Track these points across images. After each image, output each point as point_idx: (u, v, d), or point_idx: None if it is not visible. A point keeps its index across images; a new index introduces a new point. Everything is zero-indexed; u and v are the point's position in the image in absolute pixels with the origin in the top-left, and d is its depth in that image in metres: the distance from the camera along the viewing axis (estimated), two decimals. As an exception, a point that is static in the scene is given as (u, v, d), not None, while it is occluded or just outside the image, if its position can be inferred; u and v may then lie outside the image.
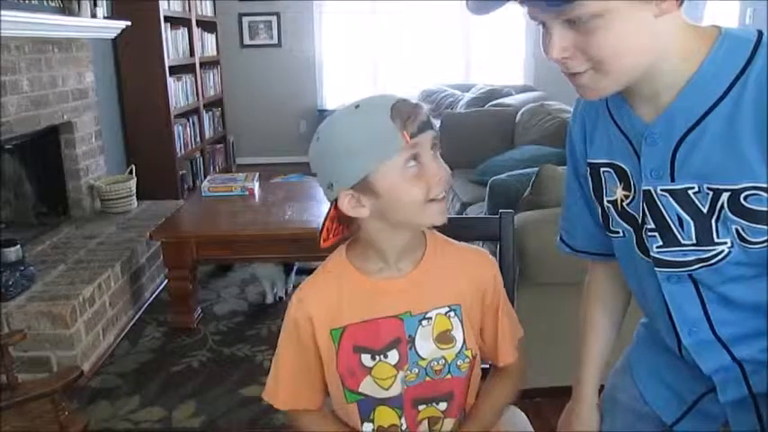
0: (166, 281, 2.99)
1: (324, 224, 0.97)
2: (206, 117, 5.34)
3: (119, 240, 3.13)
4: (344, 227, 1.01)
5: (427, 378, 1.00)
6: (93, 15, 3.30)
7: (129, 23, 3.66)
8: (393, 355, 0.98)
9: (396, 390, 0.98)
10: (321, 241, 0.98)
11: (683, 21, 0.79)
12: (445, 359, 1.00)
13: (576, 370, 1.13)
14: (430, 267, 1.01)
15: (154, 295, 3.21)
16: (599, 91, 0.82)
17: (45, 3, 2.99)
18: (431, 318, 0.99)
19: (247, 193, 3.32)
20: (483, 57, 6.42)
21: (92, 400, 2.32)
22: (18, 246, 2.51)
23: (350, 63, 6.42)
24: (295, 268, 3.22)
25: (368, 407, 1.00)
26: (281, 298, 3.12)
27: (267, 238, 2.78)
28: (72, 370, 1.64)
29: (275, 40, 6.26)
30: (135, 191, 3.71)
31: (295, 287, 3.12)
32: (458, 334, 1.01)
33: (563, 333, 1.99)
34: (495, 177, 2.70)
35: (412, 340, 0.98)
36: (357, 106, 0.92)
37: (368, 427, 1.01)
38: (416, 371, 0.99)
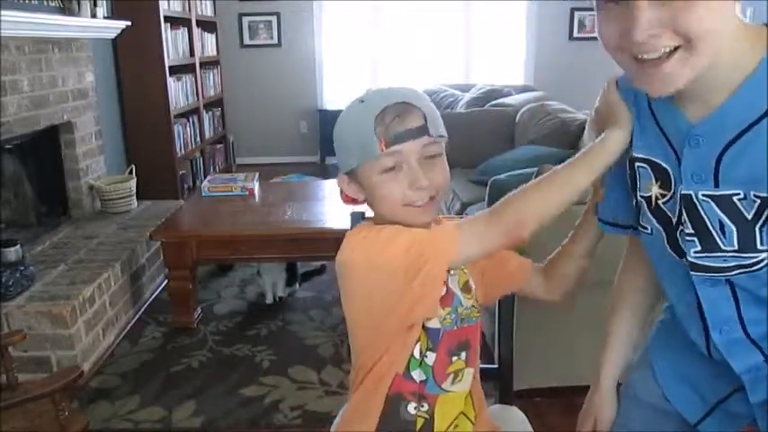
0: (166, 281, 2.99)
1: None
2: (206, 117, 5.34)
3: (119, 240, 3.13)
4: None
5: (456, 327, 1.01)
6: (94, 15, 3.30)
7: (129, 23, 3.66)
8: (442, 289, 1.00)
9: (434, 323, 0.99)
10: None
11: (737, 17, 0.76)
12: (467, 308, 1.04)
13: (599, 359, 1.12)
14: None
15: (154, 295, 3.21)
16: (680, 78, 0.75)
17: (45, 3, 2.99)
18: (456, 269, 1.03)
19: (247, 193, 3.32)
20: (483, 57, 6.41)
21: (92, 400, 2.32)
22: (18, 246, 2.51)
23: (350, 63, 6.41)
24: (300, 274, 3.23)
25: (435, 337, 1.00)
26: (280, 298, 3.12)
27: (267, 238, 2.78)
28: (72, 370, 1.64)
29: (275, 40, 6.26)
30: (135, 191, 3.70)
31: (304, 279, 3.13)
32: (472, 283, 1.06)
33: (563, 334, 1.99)
34: (495, 177, 2.69)
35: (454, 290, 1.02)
36: (362, 101, 0.97)
37: (431, 356, 0.99)
38: (453, 317, 1.01)
